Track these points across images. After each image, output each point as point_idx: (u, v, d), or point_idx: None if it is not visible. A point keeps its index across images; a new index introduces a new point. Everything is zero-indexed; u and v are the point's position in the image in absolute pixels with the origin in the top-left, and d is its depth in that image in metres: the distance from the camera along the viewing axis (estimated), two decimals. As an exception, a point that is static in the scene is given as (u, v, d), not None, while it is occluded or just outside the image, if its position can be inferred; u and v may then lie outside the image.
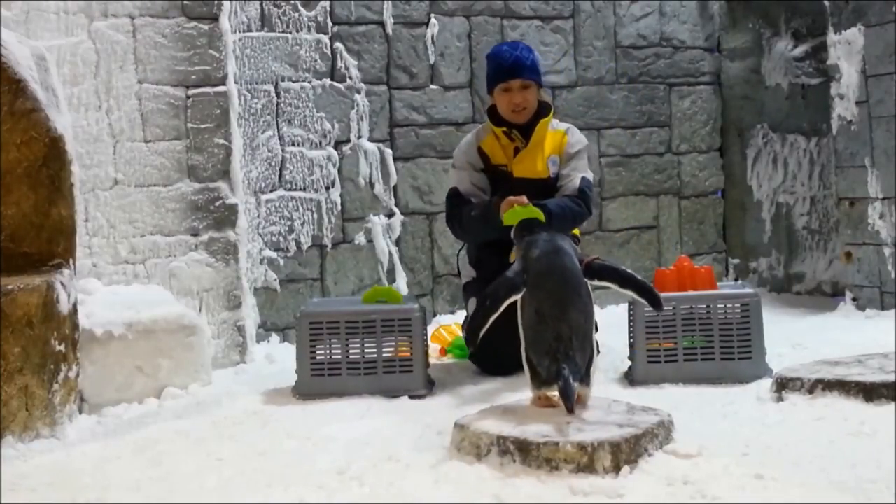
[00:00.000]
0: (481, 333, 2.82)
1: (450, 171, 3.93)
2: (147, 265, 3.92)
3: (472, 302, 3.72)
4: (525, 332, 2.77)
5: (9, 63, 3.11)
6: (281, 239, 4.63)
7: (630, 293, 2.91)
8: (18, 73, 3.13)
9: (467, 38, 5.06)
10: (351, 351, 3.36)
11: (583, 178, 3.72)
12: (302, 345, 3.39)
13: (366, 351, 3.36)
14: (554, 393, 2.66)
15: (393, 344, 3.36)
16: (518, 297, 2.79)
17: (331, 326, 3.37)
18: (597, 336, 3.76)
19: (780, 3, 5.21)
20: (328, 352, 3.37)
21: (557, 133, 3.80)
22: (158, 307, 3.56)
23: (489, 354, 3.50)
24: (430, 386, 3.39)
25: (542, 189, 3.68)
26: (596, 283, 2.86)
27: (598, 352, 3.74)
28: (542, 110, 3.79)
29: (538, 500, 2.18)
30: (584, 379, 2.67)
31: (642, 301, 2.92)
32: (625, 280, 2.88)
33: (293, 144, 4.67)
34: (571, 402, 2.55)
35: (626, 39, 5.38)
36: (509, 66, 3.72)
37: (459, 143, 3.93)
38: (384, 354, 3.35)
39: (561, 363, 2.62)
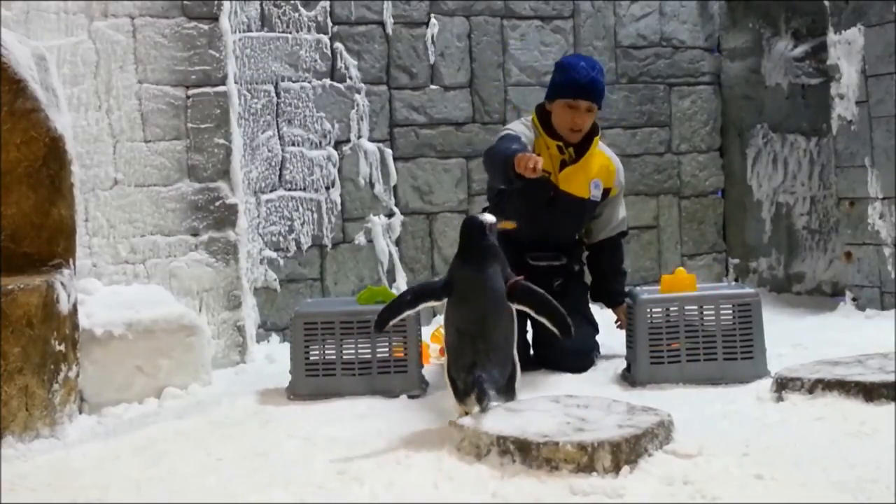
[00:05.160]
0: (390, 323, 2.87)
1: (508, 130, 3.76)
2: (147, 265, 3.92)
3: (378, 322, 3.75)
4: (448, 351, 2.83)
5: (9, 63, 3.11)
6: (281, 239, 4.64)
7: (543, 320, 2.86)
8: (18, 73, 3.13)
9: (467, 38, 5.06)
10: (345, 351, 3.36)
11: (625, 228, 3.96)
12: (296, 345, 3.39)
13: (360, 351, 3.35)
14: (475, 407, 2.66)
15: (387, 344, 3.36)
16: (435, 302, 2.90)
17: (325, 327, 3.37)
18: (597, 337, 3.81)
19: (780, 3, 5.21)
20: (322, 352, 3.37)
21: (602, 156, 3.80)
22: (158, 307, 3.56)
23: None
24: (424, 386, 3.39)
25: (579, 208, 3.74)
26: (516, 305, 2.85)
27: (599, 353, 3.78)
28: (593, 130, 3.77)
29: (538, 500, 2.18)
30: (506, 394, 2.77)
31: (553, 329, 2.85)
32: (541, 305, 2.86)
33: (293, 144, 4.67)
34: (485, 403, 2.62)
35: (626, 39, 5.38)
36: (584, 85, 3.64)
37: (515, 124, 3.79)
38: (379, 355, 3.35)
39: (477, 373, 2.68)
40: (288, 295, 4.61)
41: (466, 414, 2.67)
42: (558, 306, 2.85)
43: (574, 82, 3.66)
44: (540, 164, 3.17)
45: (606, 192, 3.80)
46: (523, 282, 2.87)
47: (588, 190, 3.74)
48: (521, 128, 3.71)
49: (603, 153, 3.82)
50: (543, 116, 3.74)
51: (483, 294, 2.79)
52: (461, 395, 2.72)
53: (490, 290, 2.80)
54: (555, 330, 2.84)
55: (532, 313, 2.88)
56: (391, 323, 2.86)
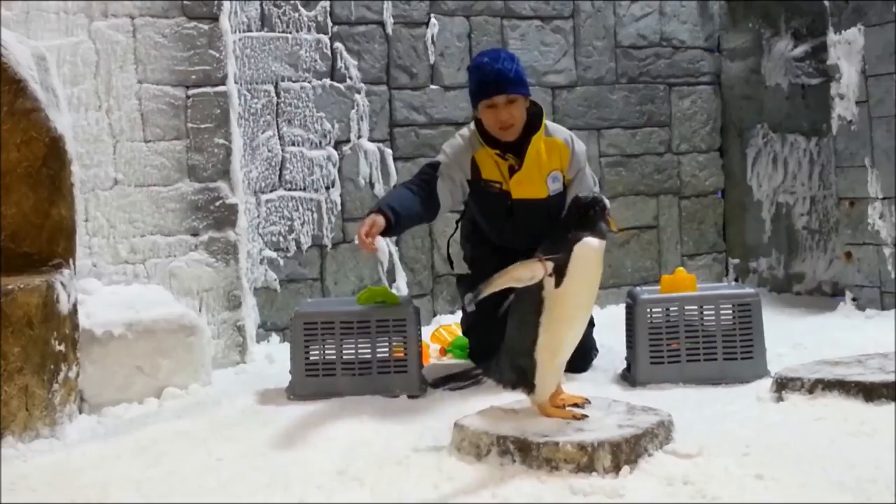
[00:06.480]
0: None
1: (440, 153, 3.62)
2: (147, 265, 3.92)
3: (468, 297, 3.69)
4: None
5: (9, 63, 3.11)
6: (281, 239, 4.63)
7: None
8: (18, 73, 3.13)
9: (467, 38, 5.06)
10: (345, 351, 3.36)
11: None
12: (296, 345, 3.38)
13: (360, 351, 3.35)
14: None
15: (387, 344, 3.35)
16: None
17: (325, 327, 3.37)
18: (597, 337, 3.81)
19: (780, 3, 5.21)
20: (322, 352, 3.36)
21: (555, 143, 3.54)
22: (158, 307, 3.56)
23: (489, 354, 3.51)
24: (424, 386, 3.39)
25: (542, 209, 3.49)
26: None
27: (597, 351, 3.78)
28: (534, 122, 3.52)
29: (538, 500, 2.18)
30: (518, 386, 2.66)
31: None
32: None
33: (293, 144, 4.67)
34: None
35: (626, 39, 5.38)
36: (492, 81, 3.42)
37: (452, 139, 3.65)
38: (379, 355, 3.35)
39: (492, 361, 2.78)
40: (288, 295, 4.61)
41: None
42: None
43: (482, 82, 3.46)
44: (365, 232, 3.05)
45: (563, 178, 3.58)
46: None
47: (545, 188, 3.51)
48: (458, 142, 3.55)
49: (556, 139, 3.55)
50: (480, 125, 3.55)
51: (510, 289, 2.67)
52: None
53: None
54: None
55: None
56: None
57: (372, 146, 4.83)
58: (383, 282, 4.79)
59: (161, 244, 3.95)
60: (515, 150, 3.52)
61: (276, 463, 2.56)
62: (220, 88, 4.07)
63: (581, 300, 2.62)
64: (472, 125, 3.63)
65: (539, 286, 2.56)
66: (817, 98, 4.94)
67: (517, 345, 2.63)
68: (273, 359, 4.08)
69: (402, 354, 3.35)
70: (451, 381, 2.79)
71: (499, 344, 2.77)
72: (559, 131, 3.63)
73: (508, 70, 3.44)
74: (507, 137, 3.49)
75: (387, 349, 3.36)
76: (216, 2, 4.06)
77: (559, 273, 2.54)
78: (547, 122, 3.62)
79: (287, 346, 3.69)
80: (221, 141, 4.06)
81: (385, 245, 4.83)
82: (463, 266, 3.87)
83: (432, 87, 4.98)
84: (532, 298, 2.58)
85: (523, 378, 2.62)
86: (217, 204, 4.05)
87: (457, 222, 3.93)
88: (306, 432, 2.85)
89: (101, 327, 3.38)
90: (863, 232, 4.51)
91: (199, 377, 3.55)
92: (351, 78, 4.80)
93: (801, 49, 5.09)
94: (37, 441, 2.87)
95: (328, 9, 4.74)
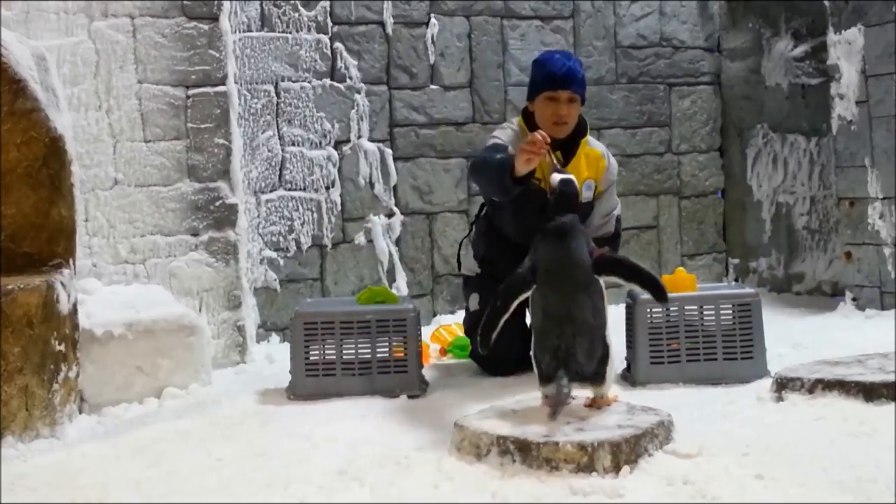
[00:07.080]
0: (493, 335, 2.75)
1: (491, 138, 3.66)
2: (147, 265, 3.92)
3: (474, 297, 3.70)
4: (533, 332, 2.74)
5: (9, 63, 3.11)
6: (281, 239, 4.64)
7: (634, 285, 2.86)
8: (18, 73, 3.13)
9: (467, 38, 5.06)
10: (345, 351, 3.36)
11: (617, 220, 3.76)
12: (296, 345, 3.38)
13: (360, 351, 3.35)
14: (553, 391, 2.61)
15: (387, 344, 3.35)
16: (528, 293, 2.74)
17: (325, 327, 3.37)
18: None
19: (780, 3, 5.21)
20: (322, 352, 3.36)
21: (593, 153, 3.65)
22: (158, 307, 3.56)
23: (489, 353, 3.50)
24: (424, 386, 3.39)
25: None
26: (604, 278, 2.75)
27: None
28: (581, 128, 3.64)
29: (538, 500, 2.18)
30: (594, 379, 2.64)
31: (646, 293, 2.87)
32: (631, 273, 2.79)
33: (293, 144, 4.67)
34: (556, 409, 2.54)
35: (626, 39, 5.38)
36: (561, 75, 3.52)
37: (500, 129, 3.69)
38: (379, 355, 3.35)
39: (560, 363, 2.59)
40: (288, 295, 4.61)
41: (546, 398, 2.62)
42: (649, 271, 2.81)
43: (551, 74, 3.54)
44: (547, 139, 3.05)
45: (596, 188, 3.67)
46: (609, 253, 2.83)
47: (581, 193, 3.53)
48: (509, 133, 3.61)
49: (595, 149, 3.67)
50: (528, 119, 3.62)
51: (569, 273, 2.70)
52: (543, 380, 2.64)
53: (576, 268, 2.70)
54: (647, 294, 2.84)
55: (622, 281, 2.81)
56: (493, 336, 2.76)
57: (372, 146, 4.84)
58: (383, 282, 4.79)
59: (161, 244, 3.95)
60: (561, 150, 3.57)
61: (276, 463, 2.56)
62: (220, 88, 4.07)
63: None
64: (517, 120, 3.68)
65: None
66: (817, 98, 4.94)
67: (596, 333, 2.64)
68: (273, 359, 4.08)
69: (402, 354, 3.35)
70: (556, 408, 2.57)
71: (514, 346, 2.79)
72: (597, 144, 3.75)
73: (577, 71, 3.58)
74: (558, 134, 3.53)
75: (387, 349, 3.36)
76: (216, 2, 4.06)
77: None
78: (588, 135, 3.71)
79: (287, 346, 3.68)
80: (221, 141, 4.07)
81: (385, 245, 4.84)
82: (470, 267, 3.83)
83: (432, 87, 4.98)
84: (597, 286, 2.70)
85: (601, 367, 2.63)
86: (217, 204, 4.05)
87: (471, 224, 3.94)
88: (306, 432, 2.85)
89: (101, 327, 3.37)
90: (863, 232, 4.51)
91: (199, 377, 3.55)
92: (351, 78, 4.80)
93: (801, 49, 5.10)
94: (37, 441, 2.86)
95: (328, 9, 4.75)
